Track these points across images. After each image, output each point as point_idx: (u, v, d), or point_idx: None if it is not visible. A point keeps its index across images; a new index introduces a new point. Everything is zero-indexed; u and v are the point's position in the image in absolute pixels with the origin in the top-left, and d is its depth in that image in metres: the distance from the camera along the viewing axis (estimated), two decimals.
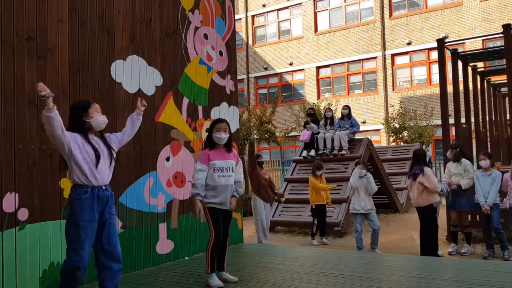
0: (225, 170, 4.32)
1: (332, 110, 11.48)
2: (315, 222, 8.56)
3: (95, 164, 3.35)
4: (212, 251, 4.28)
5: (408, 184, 7.06)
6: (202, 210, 4.30)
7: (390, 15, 21.89)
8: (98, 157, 3.36)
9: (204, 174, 4.28)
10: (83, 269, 3.25)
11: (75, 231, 3.25)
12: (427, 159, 7.05)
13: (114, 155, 3.56)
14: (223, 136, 4.32)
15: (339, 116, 11.49)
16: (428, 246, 6.46)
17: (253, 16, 26.64)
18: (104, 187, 3.41)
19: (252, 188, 7.80)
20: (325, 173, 10.17)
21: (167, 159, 5.53)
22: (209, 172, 4.29)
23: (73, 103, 3.78)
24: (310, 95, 23.96)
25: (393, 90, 21.61)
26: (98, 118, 3.44)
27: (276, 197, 7.99)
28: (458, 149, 7.33)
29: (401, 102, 20.65)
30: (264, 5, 26.10)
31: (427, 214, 6.48)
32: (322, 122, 11.18)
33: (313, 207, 8.58)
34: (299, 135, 11.75)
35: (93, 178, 3.34)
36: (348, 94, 22.90)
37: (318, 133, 10.85)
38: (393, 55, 21.74)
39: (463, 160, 7.27)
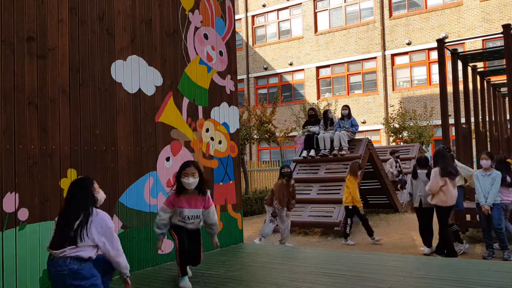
0: (193, 218, 4.33)
1: (331, 111, 11.51)
2: (349, 222, 8.40)
3: None
4: (180, 255, 4.27)
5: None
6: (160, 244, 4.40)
7: (390, 15, 21.89)
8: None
9: (168, 215, 4.32)
10: None
11: None
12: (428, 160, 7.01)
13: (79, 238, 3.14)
14: (191, 181, 4.16)
15: (339, 116, 11.50)
16: (449, 242, 6.55)
17: (253, 16, 26.64)
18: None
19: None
20: (325, 173, 10.19)
21: (167, 159, 5.54)
22: (175, 215, 4.33)
23: (78, 180, 3.59)
24: (310, 95, 23.96)
25: (393, 90, 21.61)
26: (101, 194, 3.39)
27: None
28: None
29: (401, 102, 20.66)
30: (264, 5, 26.10)
31: (449, 213, 6.57)
32: (321, 122, 11.20)
33: (350, 207, 8.41)
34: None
35: None
36: (348, 94, 22.90)
37: (318, 133, 10.86)
38: (393, 55, 21.74)
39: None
